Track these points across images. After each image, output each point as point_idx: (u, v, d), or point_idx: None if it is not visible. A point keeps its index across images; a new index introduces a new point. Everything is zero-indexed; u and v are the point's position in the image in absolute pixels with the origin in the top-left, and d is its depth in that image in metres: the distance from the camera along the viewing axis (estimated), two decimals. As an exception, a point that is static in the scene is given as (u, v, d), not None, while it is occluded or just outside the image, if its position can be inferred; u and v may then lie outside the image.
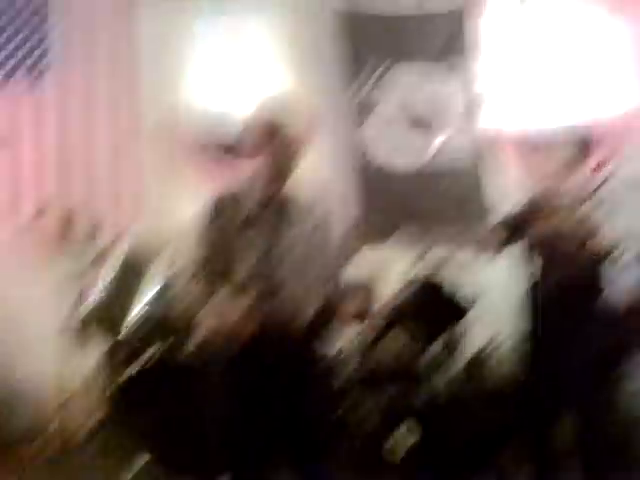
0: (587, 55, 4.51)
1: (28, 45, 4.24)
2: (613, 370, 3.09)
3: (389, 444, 3.21)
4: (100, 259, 3.58)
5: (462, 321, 3.55)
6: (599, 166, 4.23)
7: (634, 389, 3.27)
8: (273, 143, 2.20)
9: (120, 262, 3.52)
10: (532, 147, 4.39)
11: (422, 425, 3.22)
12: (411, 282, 3.46)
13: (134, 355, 3.34)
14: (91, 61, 4.33)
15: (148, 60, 4.35)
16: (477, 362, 3.80)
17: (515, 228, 3.10)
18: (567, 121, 4.31)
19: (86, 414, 3.74)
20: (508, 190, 4.36)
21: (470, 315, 3.56)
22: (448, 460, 3.22)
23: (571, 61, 4.48)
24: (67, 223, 3.71)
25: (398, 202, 4.35)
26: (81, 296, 3.50)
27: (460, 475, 3.24)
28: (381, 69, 4.46)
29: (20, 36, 4.23)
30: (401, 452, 3.19)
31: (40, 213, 4.06)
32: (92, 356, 3.62)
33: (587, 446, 3.02)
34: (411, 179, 4.40)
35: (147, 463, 3.12)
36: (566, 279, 3.02)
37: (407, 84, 4.48)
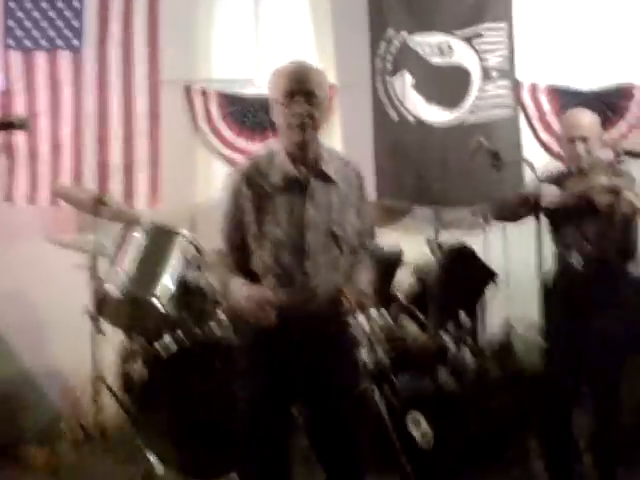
0: (623, 16, 4.39)
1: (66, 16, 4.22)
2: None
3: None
4: (123, 240, 3.52)
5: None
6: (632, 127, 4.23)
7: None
8: (299, 87, 2.14)
9: (143, 242, 3.46)
10: (567, 104, 4.29)
11: (436, 409, 3.19)
12: (441, 247, 3.37)
13: (155, 334, 3.32)
14: (107, 42, 4.26)
15: (168, 38, 4.27)
16: (497, 343, 3.79)
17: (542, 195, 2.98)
18: (603, 80, 4.24)
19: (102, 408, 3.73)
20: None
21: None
22: (462, 447, 3.21)
23: (607, 21, 4.39)
24: (94, 203, 3.64)
25: (436, 152, 4.34)
26: (105, 277, 3.45)
27: (476, 462, 3.22)
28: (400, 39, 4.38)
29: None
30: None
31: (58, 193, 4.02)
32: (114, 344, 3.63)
33: (599, 438, 3.00)
34: (446, 132, 4.35)
35: (164, 460, 3.11)
36: (595, 252, 2.94)
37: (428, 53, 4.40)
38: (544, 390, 2.81)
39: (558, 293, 2.98)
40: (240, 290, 2.15)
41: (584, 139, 3.00)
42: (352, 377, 2.36)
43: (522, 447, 3.31)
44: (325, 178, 2.21)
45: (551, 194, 2.96)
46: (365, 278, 2.27)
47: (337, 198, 2.21)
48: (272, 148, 2.28)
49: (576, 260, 3.01)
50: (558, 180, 3.13)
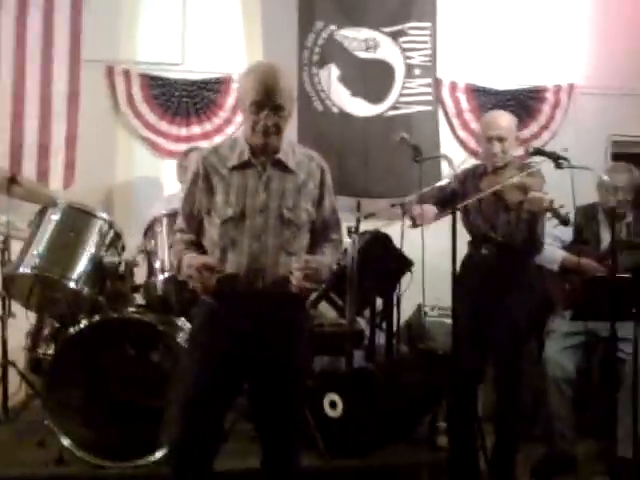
0: (539, 20, 4.63)
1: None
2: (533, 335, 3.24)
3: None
4: (38, 221, 3.41)
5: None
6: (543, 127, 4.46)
7: (546, 356, 3.43)
8: (266, 100, 2.20)
9: (59, 223, 3.36)
10: (484, 103, 4.46)
11: (350, 391, 3.26)
12: (361, 234, 3.43)
13: (71, 319, 3.25)
14: (27, 13, 4.13)
15: (91, 13, 4.18)
16: (410, 325, 3.93)
17: (459, 188, 3.12)
18: (518, 82, 4.44)
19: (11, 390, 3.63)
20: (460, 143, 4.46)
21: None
22: (375, 426, 3.29)
23: (524, 25, 4.62)
24: (7, 183, 3.51)
25: (358, 144, 4.43)
26: (18, 259, 3.34)
27: (387, 440, 3.33)
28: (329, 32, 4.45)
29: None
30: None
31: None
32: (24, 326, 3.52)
33: (502, 413, 3.17)
34: (369, 125, 4.45)
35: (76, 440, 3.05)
36: (503, 242, 3.11)
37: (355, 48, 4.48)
38: (451, 369, 2.92)
39: (466, 278, 3.11)
40: (187, 261, 2.23)
41: (501, 139, 3.15)
42: (301, 359, 2.40)
43: (430, 424, 3.44)
44: (282, 167, 2.28)
45: (426, 211, 3.10)
46: (323, 260, 2.30)
47: (292, 185, 2.28)
48: (237, 138, 2.36)
49: (485, 249, 3.16)
50: (474, 176, 3.28)
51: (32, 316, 3.52)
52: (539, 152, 3.21)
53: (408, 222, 3.18)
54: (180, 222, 2.39)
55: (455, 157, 3.72)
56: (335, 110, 4.46)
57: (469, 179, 3.30)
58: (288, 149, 2.32)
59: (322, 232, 2.39)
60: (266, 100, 2.19)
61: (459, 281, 2.87)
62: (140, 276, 3.48)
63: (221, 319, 2.26)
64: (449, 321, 3.08)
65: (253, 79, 2.23)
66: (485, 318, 3.13)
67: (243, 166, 2.28)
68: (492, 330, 3.12)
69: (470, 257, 3.27)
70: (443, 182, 3.36)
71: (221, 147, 2.35)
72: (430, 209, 3.14)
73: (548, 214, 2.99)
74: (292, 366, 2.32)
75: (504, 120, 3.22)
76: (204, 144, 4.10)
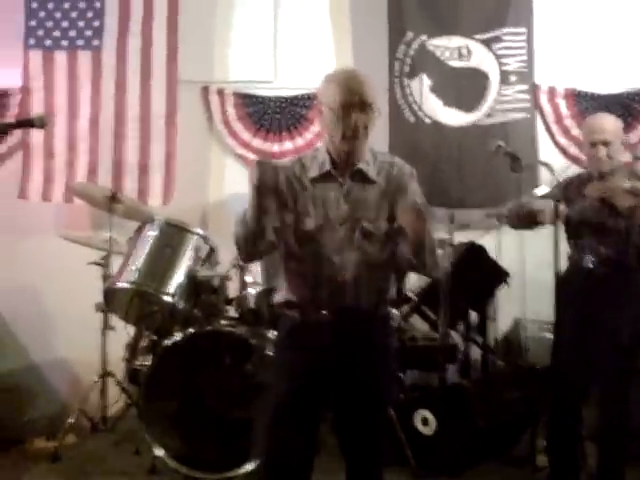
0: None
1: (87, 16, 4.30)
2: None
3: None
4: (137, 237, 3.53)
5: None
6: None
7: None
8: (344, 116, 2.15)
9: (156, 239, 3.47)
10: (586, 108, 4.27)
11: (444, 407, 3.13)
12: (455, 246, 3.34)
13: (167, 331, 3.32)
14: (126, 42, 4.31)
15: (186, 35, 4.30)
16: (507, 340, 3.75)
17: (561, 196, 2.97)
18: (621, 84, 4.21)
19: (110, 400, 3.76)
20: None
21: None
22: (469, 443, 3.14)
23: (625, 25, 4.37)
24: (108, 200, 3.66)
25: (452, 154, 4.33)
26: (118, 274, 3.46)
27: (482, 459, 3.16)
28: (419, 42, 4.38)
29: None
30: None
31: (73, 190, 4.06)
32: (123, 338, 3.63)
33: (607, 433, 2.98)
34: (463, 134, 4.34)
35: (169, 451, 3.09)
36: (609, 253, 2.93)
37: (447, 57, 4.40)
38: (553, 386, 2.76)
39: (569, 292, 2.95)
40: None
41: (606, 143, 3.00)
42: (387, 379, 2.34)
43: (529, 443, 3.26)
44: (363, 178, 2.23)
45: (549, 209, 2.94)
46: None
47: (374, 196, 2.22)
48: (318, 147, 2.33)
49: (590, 262, 2.99)
50: (578, 184, 3.12)
51: (130, 329, 3.63)
52: None
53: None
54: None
55: (555, 165, 3.57)
56: (427, 121, 4.37)
57: (572, 187, 3.14)
58: (369, 158, 2.26)
59: None
60: (356, 99, 2.15)
61: (560, 295, 2.72)
62: (233, 290, 3.53)
63: (302, 334, 2.21)
64: (549, 335, 2.93)
65: (338, 83, 2.19)
66: (589, 334, 2.95)
67: (324, 177, 2.23)
68: (597, 347, 2.94)
69: (572, 270, 3.09)
70: (542, 190, 3.22)
71: (304, 157, 2.31)
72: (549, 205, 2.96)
73: None
74: (375, 383, 2.23)
75: (608, 123, 3.07)
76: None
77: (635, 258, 2.96)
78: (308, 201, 2.21)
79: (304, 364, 2.19)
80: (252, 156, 4.38)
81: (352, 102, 2.15)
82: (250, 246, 2.21)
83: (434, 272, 2.34)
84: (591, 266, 2.99)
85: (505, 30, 4.38)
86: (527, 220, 3.04)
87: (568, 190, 3.11)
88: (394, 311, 3.27)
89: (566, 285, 2.95)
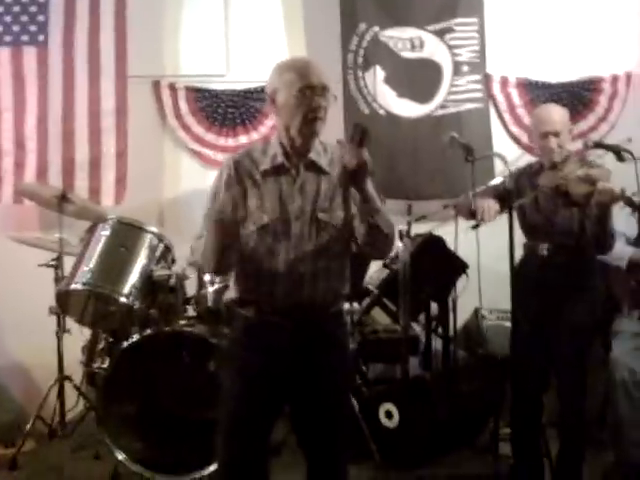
0: (591, 9, 4.44)
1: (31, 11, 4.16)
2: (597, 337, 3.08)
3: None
4: (89, 237, 3.45)
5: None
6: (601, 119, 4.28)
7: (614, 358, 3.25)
8: (305, 99, 2.15)
9: (110, 239, 3.40)
10: (537, 97, 4.33)
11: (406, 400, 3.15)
12: (413, 237, 3.34)
13: (124, 333, 3.25)
14: (73, 37, 4.17)
15: (135, 30, 4.20)
16: (468, 330, 3.79)
17: (513, 186, 3.01)
18: (572, 73, 4.27)
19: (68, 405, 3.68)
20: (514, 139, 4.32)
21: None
22: (433, 434, 3.17)
23: (575, 15, 4.42)
24: (58, 200, 3.57)
25: (407, 145, 4.33)
26: (71, 275, 3.37)
27: (446, 449, 3.19)
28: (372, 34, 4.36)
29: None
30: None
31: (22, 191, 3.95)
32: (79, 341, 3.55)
33: (566, 419, 3.03)
34: (418, 125, 4.34)
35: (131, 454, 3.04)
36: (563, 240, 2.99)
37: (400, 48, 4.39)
38: (512, 376, 2.80)
39: (525, 280, 2.98)
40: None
41: (556, 134, 3.04)
42: (344, 375, 2.34)
43: (492, 432, 3.30)
44: (316, 169, 2.22)
45: (489, 207, 2.97)
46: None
47: (327, 186, 2.20)
48: (270, 140, 2.29)
49: (545, 250, 3.03)
50: (530, 174, 3.17)
51: (87, 331, 3.55)
52: (600, 145, 3.09)
53: (470, 222, 3.04)
54: (201, 230, 2.25)
55: (509, 154, 3.61)
56: (382, 112, 4.37)
57: (524, 177, 3.19)
58: (319, 148, 2.25)
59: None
60: (315, 82, 2.14)
61: (517, 283, 2.75)
62: (191, 288, 3.48)
63: (257, 333, 2.19)
64: (508, 324, 2.96)
65: (295, 70, 2.17)
66: (548, 322, 3.00)
67: (276, 170, 2.21)
68: (556, 335, 2.99)
69: (527, 259, 3.14)
70: (497, 181, 3.25)
71: (253, 151, 2.28)
72: (493, 204, 3.01)
73: (619, 204, 2.85)
74: (333, 381, 2.23)
75: (557, 114, 3.11)
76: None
77: (590, 246, 3.01)
78: (261, 195, 2.18)
79: (259, 364, 2.17)
80: (206, 151, 4.33)
81: (312, 85, 2.14)
82: (221, 256, 2.14)
83: (388, 251, 2.32)
84: (546, 253, 3.04)
85: (457, 20, 4.40)
86: (470, 218, 3.07)
87: (520, 180, 3.16)
88: (355, 304, 3.30)
89: (522, 274, 2.98)
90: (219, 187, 2.23)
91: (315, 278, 2.17)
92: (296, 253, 2.16)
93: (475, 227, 3.00)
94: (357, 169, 2.05)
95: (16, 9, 4.18)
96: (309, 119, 2.15)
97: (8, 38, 4.17)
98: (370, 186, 2.14)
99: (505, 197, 2.95)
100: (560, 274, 3.00)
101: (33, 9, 4.19)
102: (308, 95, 2.13)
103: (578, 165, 3.01)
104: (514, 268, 2.82)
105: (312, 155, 2.22)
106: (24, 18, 4.18)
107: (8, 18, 4.17)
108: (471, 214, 3.01)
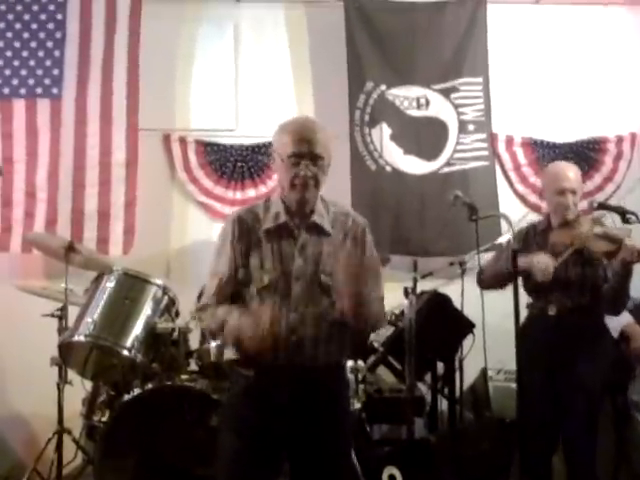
0: (597, 71, 4.53)
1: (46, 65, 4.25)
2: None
3: None
4: (94, 288, 3.45)
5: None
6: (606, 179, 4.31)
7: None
8: (293, 167, 2.16)
9: (114, 290, 3.39)
10: (543, 156, 4.36)
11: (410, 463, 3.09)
12: (419, 294, 3.33)
13: (125, 386, 3.22)
14: (86, 90, 4.26)
15: (147, 84, 4.29)
16: (474, 390, 3.73)
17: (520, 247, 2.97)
18: (577, 133, 4.32)
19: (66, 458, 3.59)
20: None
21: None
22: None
23: (581, 76, 4.52)
24: (65, 251, 3.57)
25: (413, 202, 4.36)
26: (74, 326, 3.36)
27: None
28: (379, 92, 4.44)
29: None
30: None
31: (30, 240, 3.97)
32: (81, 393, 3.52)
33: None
34: (424, 183, 4.38)
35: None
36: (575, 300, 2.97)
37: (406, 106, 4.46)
38: (520, 438, 2.74)
39: (533, 341, 2.96)
40: (242, 312, 2.12)
41: (573, 191, 3.06)
42: (345, 434, 2.30)
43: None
44: (318, 230, 2.21)
45: (544, 265, 2.95)
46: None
47: (329, 248, 2.19)
48: (271, 198, 2.29)
49: (554, 310, 3.00)
50: (535, 233, 3.16)
51: (88, 383, 3.52)
52: (604, 207, 3.10)
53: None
54: (207, 297, 2.25)
55: (514, 212, 3.64)
56: (388, 169, 4.41)
57: (530, 237, 3.18)
58: (323, 210, 2.25)
59: None
60: (305, 150, 2.14)
61: (524, 344, 2.72)
62: (194, 341, 3.46)
63: (257, 392, 2.16)
64: (515, 386, 2.91)
65: (289, 132, 2.19)
66: (555, 381, 2.96)
67: (278, 229, 2.20)
68: (564, 394, 2.95)
69: (535, 319, 3.10)
70: (503, 239, 3.25)
71: (256, 207, 2.28)
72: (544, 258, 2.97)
73: None
74: (334, 440, 2.20)
75: (573, 171, 3.14)
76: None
77: (600, 306, 2.98)
78: (262, 255, 2.17)
79: (258, 423, 2.14)
80: (214, 204, 4.37)
81: (301, 153, 2.14)
82: None
83: (377, 327, 2.34)
84: (554, 313, 3.01)
85: (462, 80, 4.49)
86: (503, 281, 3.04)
87: (527, 240, 3.15)
88: (359, 362, 3.26)
89: (529, 334, 2.95)
90: (223, 245, 2.23)
91: (316, 343, 2.15)
92: (297, 316, 2.14)
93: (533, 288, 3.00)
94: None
95: (32, 63, 4.29)
96: (295, 185, 2.16)
97: (23, 91, 4.26)
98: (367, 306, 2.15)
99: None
100: (570, 335, 2.97)
101: (48, 63, 4.29)
102: (296, 162, 2.15)
103: (591, 224, 3.00)
104: (519, 328, 2.79)
105: (316, 217, 2.22)
106: (39, 72, 4.28)
107: (23, 71, 4.27)
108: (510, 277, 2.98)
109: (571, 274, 3.01)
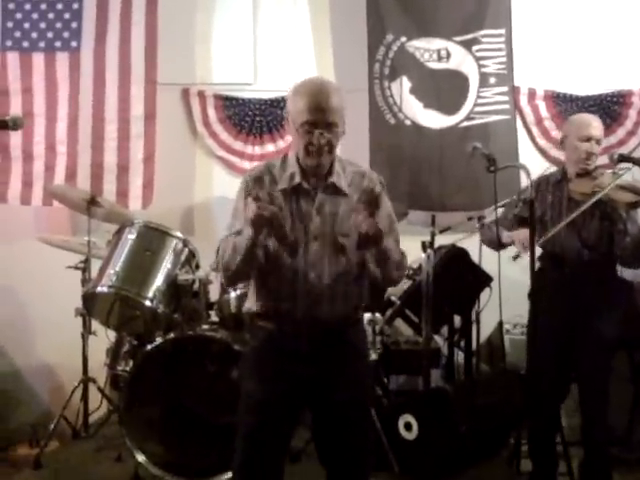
0: (621, 22, 4.40)
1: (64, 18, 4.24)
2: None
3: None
4: (116, 241, 3.50)
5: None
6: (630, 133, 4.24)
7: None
8: (319, 118, 2.13)
9: (136, 243, 3.44)
10: (565, 110, 4.30)
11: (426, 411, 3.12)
12: (436, 249, 3.34)
13: (148, 336, 3.29)
14: (105, 43, 4.24)
15: (166, 38, 4.26)
16: (491, 343, 3.75)
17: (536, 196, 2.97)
18: (601, 86, 4.24)
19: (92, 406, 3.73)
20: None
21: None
22: (452, 447, 3.15)
23: (605, 27, 4.39)
24: (87, 204, 3.62)
25: (432, 156, 4.32)
26: (97, 277, 3.42)
27: (466, 463, 3.16)
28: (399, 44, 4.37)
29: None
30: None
31: (52, 193, 4.01)
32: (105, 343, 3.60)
33: (589, 436, 3.00)
34: (443, 137, 4.33)
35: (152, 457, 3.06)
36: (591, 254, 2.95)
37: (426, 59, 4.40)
38: (528, 390, 2.78)
39: (546, 294, 2.96)
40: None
41: (598, 140, 3.03)
42: (364, 385, 2.34)
43: (514, 447, 3.26)
44: (336, 190, 2.21)
45: (524, 236, 2.95)
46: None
47: (346, 208, 2.20)
48: (287, 155, 2.28)
49: (568, 267, 2.99)
50: (548, 183, 3.13)
51: (112, 333, 3.60)
52: (626, 159, 3.05)
53: (513, 251, 3.01)
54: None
55: (535, 166, 3.59)
56: (408, 123, 4.38)
57: (544, 185, 3.15)
58: (339, 169, 2.24)
59: None
60: (319, 119, 2.12)
61: (538, 297, 2.73)
62: (215, 293, 3.52)
63: (277, 342, 2.21)
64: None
65: (304, 98, 2.16)
66: (569, 336, 2.97)
67: (294, 190, 2.21)
68: (577, 349, 2.96)
69: (548, 273, 3.09)
70: (515, 197, 3.23)
71: (273, 167, 2.26)
72: (524, 233, 2.97)
73: None
74: (353, 392, 2.23)
75: (597, 121, 3.11)
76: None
77: (615, 260, 2.98)
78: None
79: (279, 371, 2.19)
80: (234, 158, 4.37)
81: (315, 121, 2.12)
82: (241, 276, 2.22)
83: (394, 284, 2.35)
84: (567, 269, 3.00)
85: (484, 32, 4.40)
86: (499, 249, 3.06)
87: (540, 188, 3.12)
88: (377, 315, 3.30)
89: (542, 287, 2.95)
90: (240, 205, 2.23)
91: (334, 297, 2.18)
92: (315, 272, 2.16)
93: (516, 258, 2.98)
94: (372, 237, 2.07)
95: (50, 16, 4.27)
96: (310, 152, 2.15)
97: (42, 44, 4.25)
98: (389, 241, 2.17)
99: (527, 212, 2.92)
100: (586, 289, 2.97)
101: (67, 16, 4.27)
102: (310, 130, 2.13)
103: (611, 176, 2.98)
104: (535, 281, 2.79)
105: (334, 177, 2.22)
106: (58, 25, 4.26)
107: (42, 24, 4.26)
108: (501, 245, 2.99)
109: (589, 227, 2.99)
